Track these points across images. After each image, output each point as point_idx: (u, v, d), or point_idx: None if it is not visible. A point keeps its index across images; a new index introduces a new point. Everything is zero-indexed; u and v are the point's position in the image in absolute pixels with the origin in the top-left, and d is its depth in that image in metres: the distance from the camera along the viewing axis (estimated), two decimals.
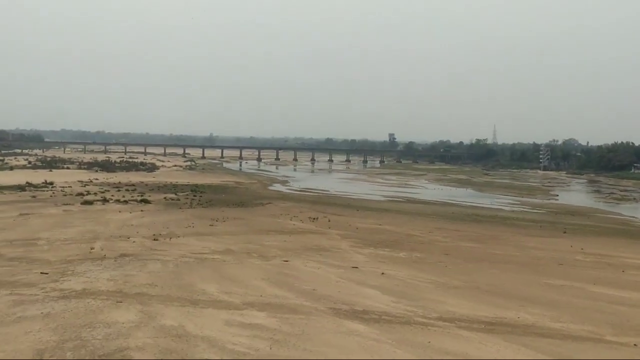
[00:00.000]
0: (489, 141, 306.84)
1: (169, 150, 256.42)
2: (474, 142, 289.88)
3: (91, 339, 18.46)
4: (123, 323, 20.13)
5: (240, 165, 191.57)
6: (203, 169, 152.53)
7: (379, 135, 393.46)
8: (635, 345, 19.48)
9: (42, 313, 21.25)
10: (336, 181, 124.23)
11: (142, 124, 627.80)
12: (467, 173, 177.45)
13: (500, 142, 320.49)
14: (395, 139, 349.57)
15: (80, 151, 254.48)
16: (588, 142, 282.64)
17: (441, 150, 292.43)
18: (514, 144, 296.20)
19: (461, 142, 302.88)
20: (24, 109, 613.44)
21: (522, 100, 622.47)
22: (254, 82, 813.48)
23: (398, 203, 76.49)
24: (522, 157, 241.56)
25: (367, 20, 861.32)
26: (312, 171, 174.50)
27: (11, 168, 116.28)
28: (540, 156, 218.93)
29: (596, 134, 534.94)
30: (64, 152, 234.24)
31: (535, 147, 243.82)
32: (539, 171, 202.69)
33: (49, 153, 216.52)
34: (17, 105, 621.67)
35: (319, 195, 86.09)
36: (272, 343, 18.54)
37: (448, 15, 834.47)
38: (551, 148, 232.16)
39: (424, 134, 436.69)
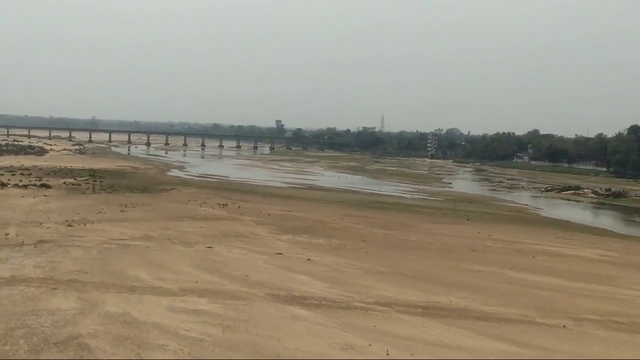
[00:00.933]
0: (377, 129, 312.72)
1: (53, 134, 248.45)
2: (361, 129, 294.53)
3: (39, 326, 18.17)
4: (66, 310, 19.87)
5: (129, 150, 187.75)
6: (94, 153, 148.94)
7: (265, 121, 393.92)
8: (564, 326, 20.76)
9: None
10: (232, 167, 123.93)
11: (19, 105, 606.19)
12: (358, 160, 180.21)
13: (386, 130, 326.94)
14: (283, 125, 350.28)
15: None
16: (469, 132, 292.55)
17: (325, 137, 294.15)
18: (401, 132, 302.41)
19: (348, 130, 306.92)
20: None
21: (408, 90, 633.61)
22: (136, 65, 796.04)
23: (300, 190, 77.21)
24: (410, 145, 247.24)
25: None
26: (205, 157, 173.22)
27: None
28: (428, 145, 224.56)
29: (475, 124, 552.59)
30: None
31: (422, 136, 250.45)
32: (426, 159, 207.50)
33: None
34: None
35: (220, 181, 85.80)
36: (223, 329, 18.75)
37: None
38: (438, 137, 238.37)
39: (311, 121, 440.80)
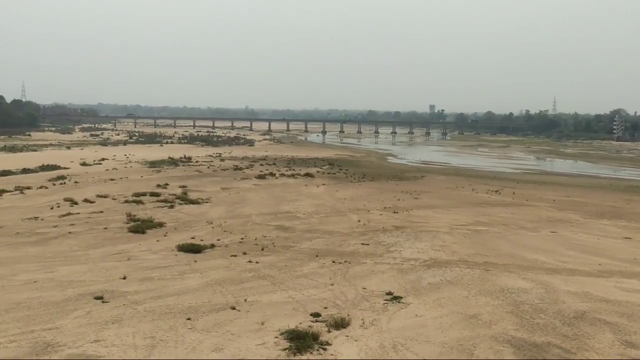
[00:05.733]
0: (550, 112, 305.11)
1: (225, 124, 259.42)
2: (524, 113, 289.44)
3: (532, 303, 20.28)
4: (531, 289, 21.90)
5: (306, 138, 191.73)
6: (291, 142, 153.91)
7: (414, 106, 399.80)
8: None
9: (441, 280, 23.02)
10: (435, 153, 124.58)
11: (174, 96, 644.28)
12: (543, 144, 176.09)
13: (557, 112, 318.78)
14: (443, 110, 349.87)
15: (149, 125, 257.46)
16: (636, 112, 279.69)
17: (499, 121, 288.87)
18: (576, 115, 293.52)
19: (511, 114, 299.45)
20: (58, 84, 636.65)
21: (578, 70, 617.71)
22: (282, 57, 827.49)
23: (538, 175, 77.38)
24: (587, 127, 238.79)
25: None
26: (384, 143, 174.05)
27: (125, 143, 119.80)
28: (614, 127, 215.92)
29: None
30: (135, 127, 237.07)
31: (598, 118, 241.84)
32: (612, 142, 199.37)
33: (120, 127, 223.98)
34: (56, 81, 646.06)
35: (451, 167, 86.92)
36: None
37: None
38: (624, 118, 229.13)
39: (454, 105, 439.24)
